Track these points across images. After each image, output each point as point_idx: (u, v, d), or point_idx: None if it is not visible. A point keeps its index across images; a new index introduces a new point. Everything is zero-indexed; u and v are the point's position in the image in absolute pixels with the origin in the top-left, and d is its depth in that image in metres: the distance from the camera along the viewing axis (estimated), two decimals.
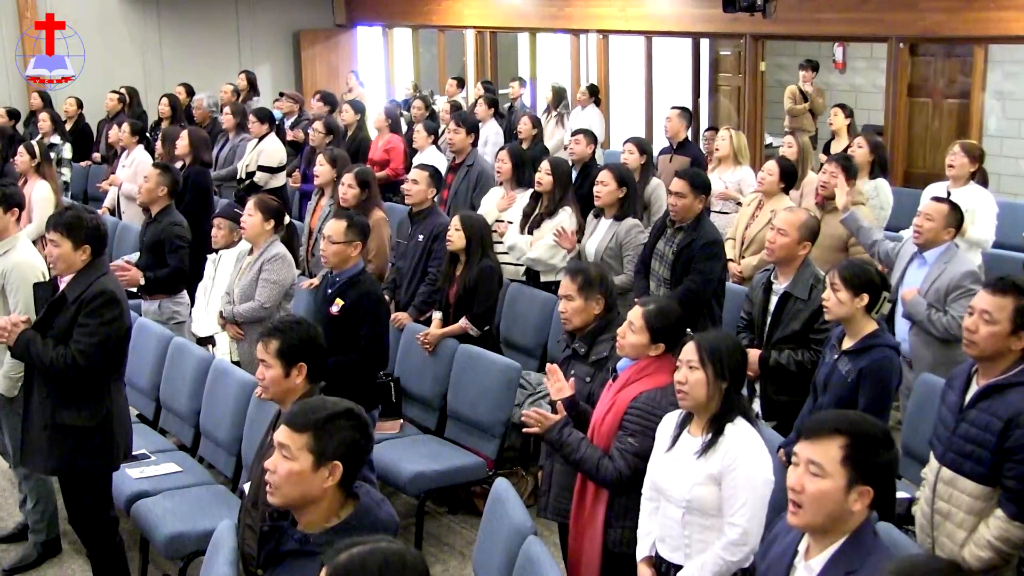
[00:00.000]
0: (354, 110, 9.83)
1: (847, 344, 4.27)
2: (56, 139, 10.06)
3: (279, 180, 9.12)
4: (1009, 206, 7.96)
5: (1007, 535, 3.45)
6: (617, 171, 6.32)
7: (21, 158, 7.75)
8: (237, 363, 5.65)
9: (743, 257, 6.43)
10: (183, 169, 7.64)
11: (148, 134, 9.81)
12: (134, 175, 8.40)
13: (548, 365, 4.23)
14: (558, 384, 4.07)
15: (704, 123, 12.45)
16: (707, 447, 3.38)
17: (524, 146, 8.50)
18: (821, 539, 2.62)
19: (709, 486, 3.37)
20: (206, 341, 5.98)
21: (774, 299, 4.97)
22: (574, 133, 8.08)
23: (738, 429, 3.40)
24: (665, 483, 3.49)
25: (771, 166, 6.50)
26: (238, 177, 9.13)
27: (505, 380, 5.40)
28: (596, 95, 11.35)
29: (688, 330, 3.92)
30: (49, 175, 7.78)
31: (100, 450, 4.44)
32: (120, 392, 4.58)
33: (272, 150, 9.10)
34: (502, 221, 6.81)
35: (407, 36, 15.79)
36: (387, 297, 6.13)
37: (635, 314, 3.88)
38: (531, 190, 6.73)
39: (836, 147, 8.49)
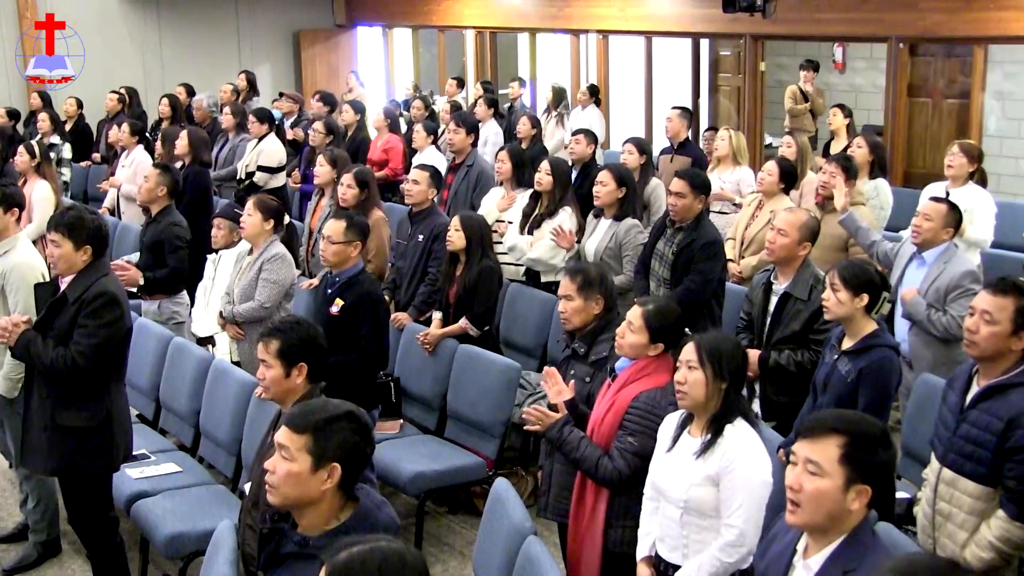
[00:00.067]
0: (354, 110, 9.83)
1: (847, 344, 4.27)
2: (56, 139, 10.06)
3: (279, 180, 9.12)
4: (1009, 206, 7.96)
5: (1008, 536, 3.45)
6: (616, 171, 6.33)
7: (21, 158, 7.75)
8: (237, 363, 5.65)
9: (743, 257, 6.43)
10: (182, 169, 7.64)
11: (148, 134, 9.82)
12: (134, 175, 8.40)
13: (545, 368, 4.22)
14: (556, 387, 4.07)
15: (704, 123, 12.46)
16: (706, 448, 3.39)
17: (523, 146, 8.51)
18: (819, 538, 2.63)
19: (707, 487, 3.38)
20: (206, 341, 5.99)
21: (774, 299, 4.97)
22: (574, 133, 8.08)
23: (737, 430, 3.40)
24: (664, 483, 3.50)
25: (771, 166, 6.50)
26: (238, 177, 9.13)
27: (505, 380, 5.40)
28: (596, 95, 11.36)
29: (687, 330, 3.92)
30: (49, 175, 7.79)
31: (100, 451, 4.44)
32: (121, 393, 4.58)
33: (272, 150, 9.10)
34: (502, 221, 6.81)
35: (407, 36, 15.80)
36: (387, 297, 6.14)
37: (634, 314, 3.89)
38: (531, 190, 6.73)
39: (835, 147, 8.49)
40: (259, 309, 5.61)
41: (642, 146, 7.47)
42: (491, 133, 9.90)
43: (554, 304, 5.66)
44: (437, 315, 5.95)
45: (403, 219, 6.68)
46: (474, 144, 8.18)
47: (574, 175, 7.39)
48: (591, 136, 7.88)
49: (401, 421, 5.76)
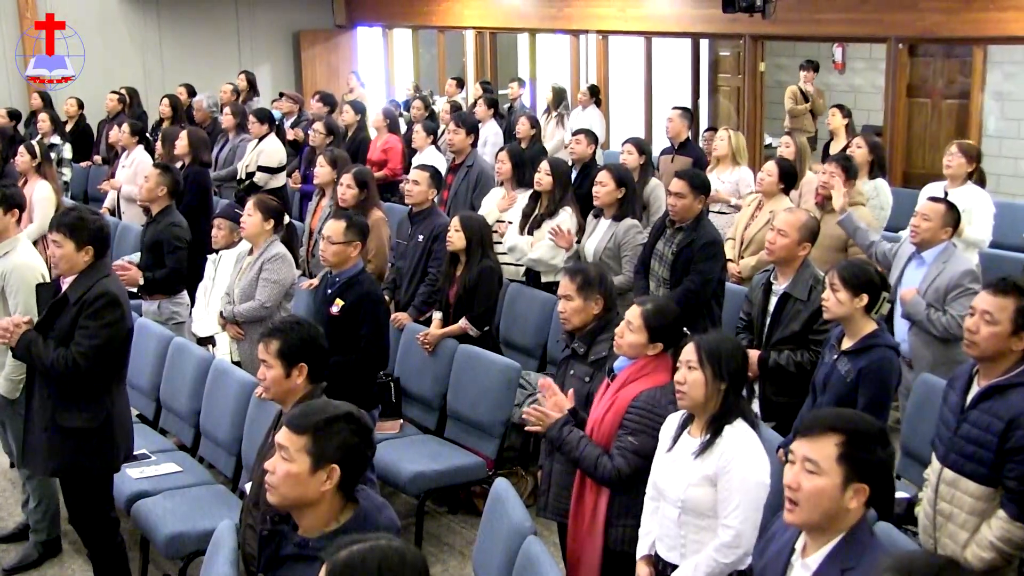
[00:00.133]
0: (354, 110, 9.84)
1: (846, 344, 4.27)
2: (56, 139, 10.07)
3: (279, 180, 9.13)
4: (1008, 206, 7.97)
5: (1009, 536, 3.46)
6: (616, 171, 6.34)
7: (21, 158, 7.75)
8: (237, 363, 5.66)
9: (742, 257, 6.44)
10: (182, 169, 7.64)
11: (148, 134, 9.82)
12: (134, 175, 8.41)
13: (540, 381, 4.19)
14: (554, 399, 4.01)
15: (704, 123, 12.46)
16: (704, 448, 3.39)
17: (522, 146, 8.52)
18: (818, 537, 2.63)
19: (705, 487, 3.38)
20: (206, 341, 5.99)
21: (773, 300, 4.98)
22: (575, 133, 8.09)
23: (736, 431, 3.41)
24: (664, 483, 3.50)
25: (770, 167, 6.51)
26: (238, 177, 9.14)
27: (505, 380, 5.41)
28: (597, 95, 11.36)
29: (687, 330, 3.93)
30: (50, 175, 7.78)
31: (101, 451, 4.44)
32: (122, 394, 4.57)
33: (272, 150, 9.10)
34: (503, 221, 6.82)
35: (407, 36, 15.80)
36: (387, 297, 6.14)
37: (633, 313, 3.89)
38: (531, 190, 6.74)
39: (834, 147, 8.50)
40: (259, 309, 5.61)
41: (641, 146, 7.48)
42: (491, 133, 9.90)
43: (554, 304, 5.66)
44: (437, 315, 5.95)
45: (403, 219, 6.69)
46: (474, 144, 8.18)
47: (574, 175, 7.40)
48: (591, 136, 7.89)
49: (401, 421, 5.77)
